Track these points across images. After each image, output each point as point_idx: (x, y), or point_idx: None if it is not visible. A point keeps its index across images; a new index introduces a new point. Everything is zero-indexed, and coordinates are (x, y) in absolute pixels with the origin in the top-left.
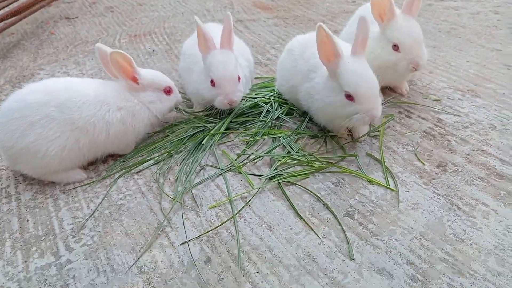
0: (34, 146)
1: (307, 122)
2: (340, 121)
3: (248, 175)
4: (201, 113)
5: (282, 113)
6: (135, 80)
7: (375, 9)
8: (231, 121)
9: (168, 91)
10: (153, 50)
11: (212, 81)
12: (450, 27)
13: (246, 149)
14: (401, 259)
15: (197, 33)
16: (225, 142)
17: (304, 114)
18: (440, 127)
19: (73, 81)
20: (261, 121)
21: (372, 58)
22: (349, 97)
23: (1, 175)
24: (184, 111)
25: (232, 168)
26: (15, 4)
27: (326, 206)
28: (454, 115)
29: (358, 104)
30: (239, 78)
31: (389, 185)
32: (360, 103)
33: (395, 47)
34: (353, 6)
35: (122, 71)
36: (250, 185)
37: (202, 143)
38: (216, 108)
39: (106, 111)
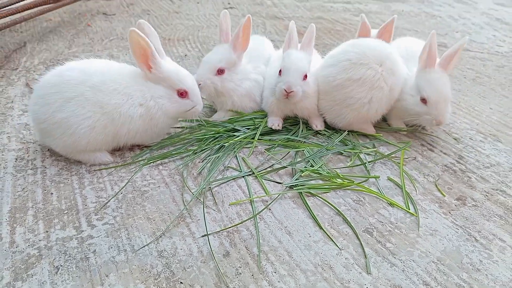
0: (66, 122)
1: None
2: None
3: (270, 181)
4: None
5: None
6: (150, 67)
7: (425, 52)
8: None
9: (181, 93)
10: (186, 55)
11: None
12: (475, 75)
13: (269, 154)
14: (418, 279)
15: (219, 24)
16: (248, 147)
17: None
18: (461, 164)
19: (111, 65)
20: (288, 138)
21: (399, 98)
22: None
23: (29, 147)
24: (200, 123)
25: (253, 173)
26: None
27: (345, 220)
28: (476, 155)
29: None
30: (220, 71)
31: (409, 210)
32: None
33: (423, 100)
34: None
35: (140, 54)
36: (265, 192)
37: (224, 145)
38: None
39: (130, 106)
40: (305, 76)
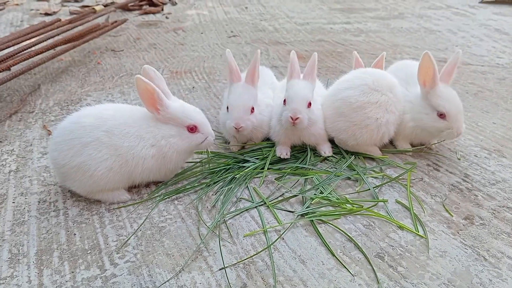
0: (84, 166)
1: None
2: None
3: (281, 211)
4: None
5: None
6: (158, 110)
7: (422, 74)
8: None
9: (191, 128)
10: (193, 87)
11: (227, 107)
12: (477, 89)
13: (279, 183)
14: None
15: (228, 65)
16: (259, 177)
17: (342, 158)
18: (468, 182)
19: (122, 108)
20: (296, 166)
21: (409, 119)
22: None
23: (50, 190)
24: (211, 153)
25: (265, 203)
26: (67, 33)
27: (357, 246)
28: (481, 172)
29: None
30: (252, 109)
31: (418, 232)
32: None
33: (442, 116)
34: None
35: (147, 98)
36: (277, 222)
37: (236, 176)
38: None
39: (142, 147)
40: (309, 104)
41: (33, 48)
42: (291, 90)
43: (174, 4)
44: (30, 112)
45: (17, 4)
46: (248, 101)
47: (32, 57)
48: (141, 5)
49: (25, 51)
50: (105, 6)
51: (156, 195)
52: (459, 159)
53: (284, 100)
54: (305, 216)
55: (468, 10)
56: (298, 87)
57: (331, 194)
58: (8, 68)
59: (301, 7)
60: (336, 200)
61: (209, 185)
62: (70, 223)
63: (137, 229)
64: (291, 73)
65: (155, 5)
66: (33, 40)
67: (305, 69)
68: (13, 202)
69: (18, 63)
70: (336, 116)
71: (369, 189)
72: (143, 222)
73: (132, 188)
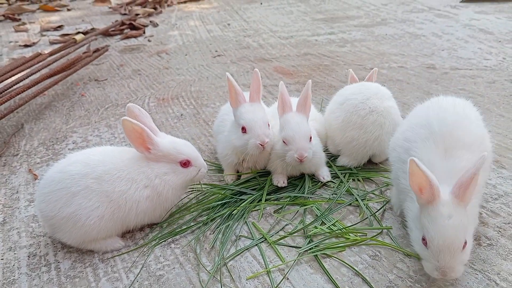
0: (74, 216)
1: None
2: None
3: (284, 246)
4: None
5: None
6: (148, 149)
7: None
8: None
9: (184, 163)
10: (182, 114)
11: (243, 128)
12: (468, 95)
13: (278, 216)
14: None
15: (229, 88)
16: (257, 210)
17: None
18: None
19: (110, 151)
20: (295, 196)
21: None
22: None
23: (40, 242)
24: (207, 187)
25: (265, 240)
26: (49, 68)
27: (365, 280)
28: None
29: None
30: (268, 124)
31: None
32: None
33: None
34: None
35: (136, 139)
36: (281, 260)
37: (233, 213)
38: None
39: (135, 190)
40: (310, 138)
41: (15, 87)
42: (289, 129)
43: (156, 25)
44: (14, 155)
45: None
46: (264, 117)
47: (14, 97)
48: (122, 30)
49: (6, 91)
50: (85, 33)
51: (151, 239)
52: None
53: (283, 140)
54: (309, 251)
55: (450, 11)
56: (295, 124)
57: (333, 224)
58: None
59: (283, 20)
60: (339, 231)
61: (206, 223)
62: (62, 279)
63: (134, 280)
64: (282, 106)
65: (136, 28)
66: (14, 78)
67: (298, 100)
68: (2, 259)
69: (5, 101)
70: (353, 125)
71: (372, 214)
72: (140, 272)
73: (126, 234)
